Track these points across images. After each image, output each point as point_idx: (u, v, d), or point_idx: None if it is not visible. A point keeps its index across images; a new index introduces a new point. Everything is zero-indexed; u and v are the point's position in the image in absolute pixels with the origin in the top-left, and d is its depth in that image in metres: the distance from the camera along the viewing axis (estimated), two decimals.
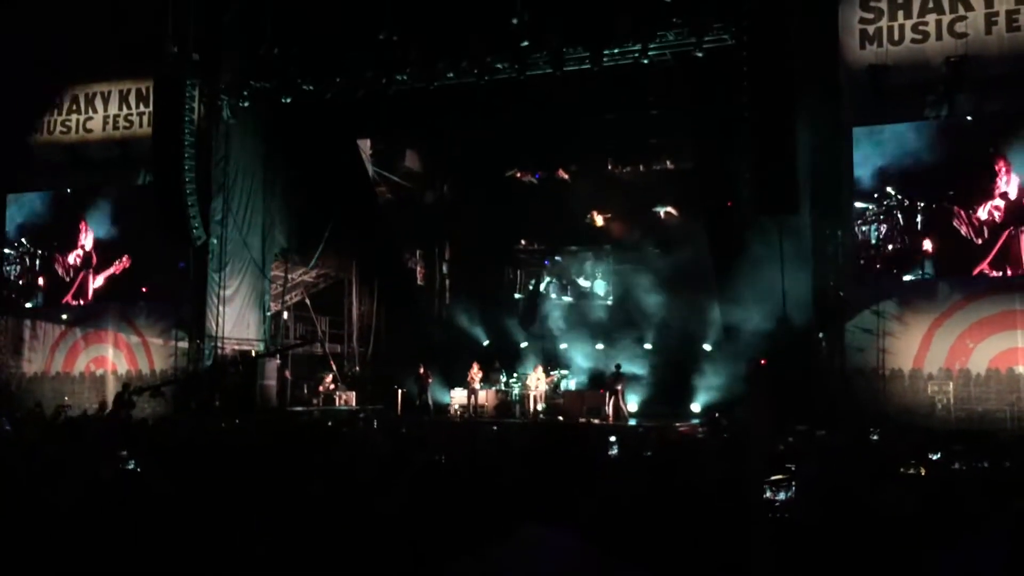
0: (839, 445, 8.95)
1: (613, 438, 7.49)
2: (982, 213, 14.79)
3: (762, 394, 14.62)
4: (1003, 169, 14.75)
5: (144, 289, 19.79)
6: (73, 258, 20.66)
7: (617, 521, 3.06)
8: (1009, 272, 14.64)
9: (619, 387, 18.38)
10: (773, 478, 4.27)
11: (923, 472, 5.18)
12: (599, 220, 22.84)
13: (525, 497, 2.11)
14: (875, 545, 3.48)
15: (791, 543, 3.40)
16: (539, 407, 19.05)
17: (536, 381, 19.33)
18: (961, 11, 14.96)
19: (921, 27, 15.20)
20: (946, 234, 15.02)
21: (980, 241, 14.81)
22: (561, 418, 18.33)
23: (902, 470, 5.26)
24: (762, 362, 14.97)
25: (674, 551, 3.11)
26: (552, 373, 19.87)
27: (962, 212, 14.91)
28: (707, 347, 19.17)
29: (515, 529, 2.06)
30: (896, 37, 15.34)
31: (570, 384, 20.24)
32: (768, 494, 4.17)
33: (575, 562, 2.00)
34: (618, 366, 18.79)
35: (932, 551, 3.49)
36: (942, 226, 15.06)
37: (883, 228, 15.38)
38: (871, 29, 15.49)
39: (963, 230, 14.91)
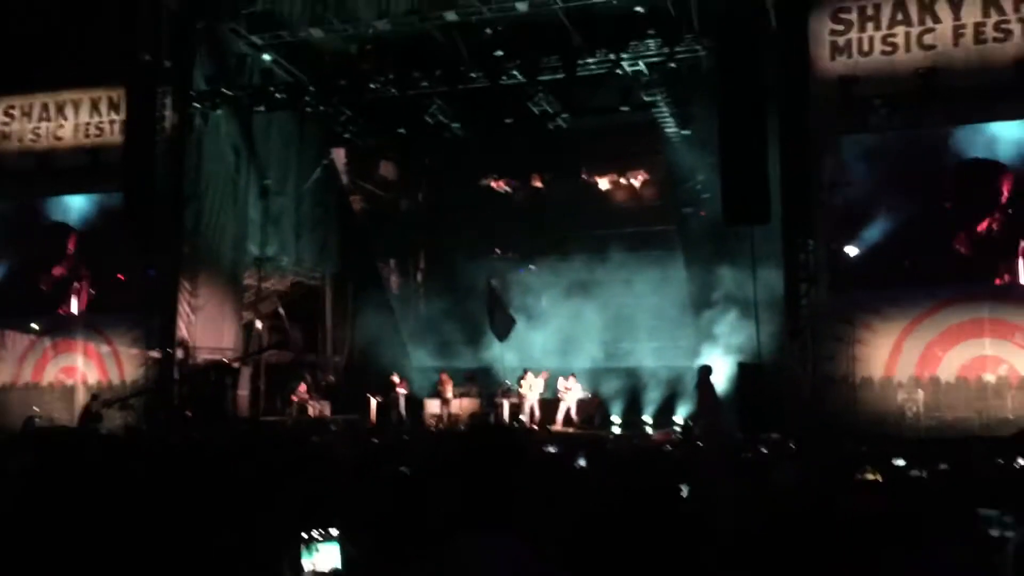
0: (794, 451, 9.01)
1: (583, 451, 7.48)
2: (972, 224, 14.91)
3: (709, 402, 14.75)
4: (973, 179, 14.91)
5: (113, 298, 19.49)
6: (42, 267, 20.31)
7: (571, 530, 3.06)
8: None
9: (567, 397, 18.48)
10: None
11: (880, 478, 5.21)
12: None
13: (466, 505, 2.09)
14: (824, 551, 3.48)
15: (725, 548, 3.41)
16: (535, 415, 18.49)
17: (529, 388, 18.75)
18: (929, 23, 15.14)
19: (890, 39, 15.37)
20: (918, 244, 15.14)
21: (960, 249, 14.92)
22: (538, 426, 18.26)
23: (859, 476, 5.29)
24: (708, 370, 15.04)
25: (625, 558, 3.11)
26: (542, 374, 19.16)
27: (940, 221, 15.00)
28: (685, 355, 19.20)
29: (453, 536, 2.05)
30: (866, 48, 15.50)
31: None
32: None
33: (512, 569, 1.98)
34: (571, 375, 18.82)
35: (890, 558, 3.50)
36: (912, 235, 15.17)
37: (852, 237, 15.46)
38: (841, 40, 15.63)
39: (940, 239, 15.03)
